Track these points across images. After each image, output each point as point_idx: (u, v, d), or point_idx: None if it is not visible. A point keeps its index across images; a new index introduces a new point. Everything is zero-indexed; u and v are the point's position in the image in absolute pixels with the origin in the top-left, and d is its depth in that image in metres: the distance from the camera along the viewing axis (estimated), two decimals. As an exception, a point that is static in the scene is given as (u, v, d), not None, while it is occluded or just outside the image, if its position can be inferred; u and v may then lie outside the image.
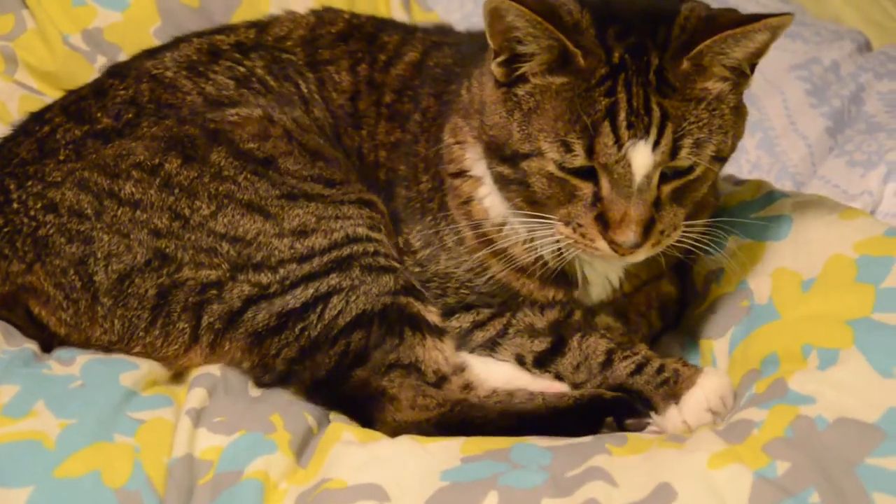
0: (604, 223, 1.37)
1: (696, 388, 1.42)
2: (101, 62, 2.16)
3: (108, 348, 1.56)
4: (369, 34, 1.81)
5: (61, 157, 1.59)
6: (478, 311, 1.60)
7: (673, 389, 1.43)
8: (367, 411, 1.48)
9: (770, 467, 1.19)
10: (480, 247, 1.58)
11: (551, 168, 1.39)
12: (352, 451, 1.32)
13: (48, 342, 1.57)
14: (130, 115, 1.63)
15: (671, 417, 1.42)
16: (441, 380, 1.52)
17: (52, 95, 2.12)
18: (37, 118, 1.71)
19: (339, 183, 1.62)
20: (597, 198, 1.38)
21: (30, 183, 1.58)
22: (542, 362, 1.55)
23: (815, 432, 1.23)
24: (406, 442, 1.35)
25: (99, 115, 1.64)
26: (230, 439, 1.33)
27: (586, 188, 1.38)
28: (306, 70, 1.75)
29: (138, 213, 1.54)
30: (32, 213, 1.56)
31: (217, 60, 1.73)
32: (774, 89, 2.28)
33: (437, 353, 1.53)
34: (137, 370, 1.49)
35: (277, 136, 1.63)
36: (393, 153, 1.70)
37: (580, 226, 1.39)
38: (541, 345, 1.55)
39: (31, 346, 1.54)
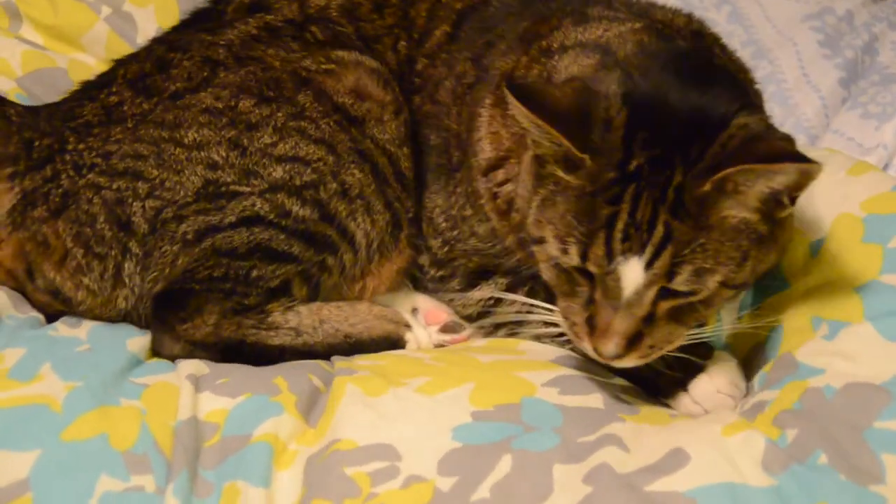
0: (592, 327, 1.30)
1: (703, 375, 1.38)
2: (106, 13, 2.12)
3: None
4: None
5: (129, 125, 1.56)
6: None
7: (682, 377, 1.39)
8: (167, 321, 1.49)
9: (781, 439, 1.19)
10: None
11: (552, 261, 1.33)
12: (359, 408, 1.31)
13: (55, 317, 1.56)
14: (206, 73, 1.60)
15: (683, 402, 1.39)
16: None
17: (57, 51, 2.09)
18: (98, 87, 1.65)
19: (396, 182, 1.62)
20: (591, 299, 1.30)
21: (90, 139, 1.55)
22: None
23: (822, 401, 1.23)
24: (412, 395, 1.33)
25: (167, 84, 1.60)
26: (235, 402, 1.33)
27: (585, 286, 1.31)
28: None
29: (195, 152, 1.52)
30: (80, 161, 1.53)
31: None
32: (787, 40, 2.24)
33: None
34: (144, 336, 1.50)
35: (376, 101, 1.61)
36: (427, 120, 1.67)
37: (574, 324, 1.32)
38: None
39: (38, 315, 1.54)
